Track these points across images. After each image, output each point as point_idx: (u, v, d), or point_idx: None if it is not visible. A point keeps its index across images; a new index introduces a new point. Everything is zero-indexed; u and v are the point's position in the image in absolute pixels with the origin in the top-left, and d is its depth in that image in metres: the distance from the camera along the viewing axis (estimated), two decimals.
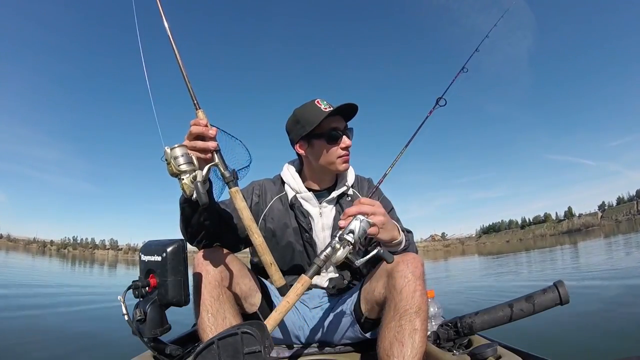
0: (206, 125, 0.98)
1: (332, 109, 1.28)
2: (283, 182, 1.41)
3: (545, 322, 3.02)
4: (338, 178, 1.42)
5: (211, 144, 0.97)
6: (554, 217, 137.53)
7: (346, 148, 1.32)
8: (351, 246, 0.95)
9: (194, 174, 0.92)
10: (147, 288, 1.00)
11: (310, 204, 1.36)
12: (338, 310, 1.27)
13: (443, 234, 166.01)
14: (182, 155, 0.92)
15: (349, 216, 1.00)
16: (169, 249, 1.00)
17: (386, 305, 1.04)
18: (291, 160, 1.48)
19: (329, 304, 1.33)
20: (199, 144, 0.96)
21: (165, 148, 0.92)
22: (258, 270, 1.34)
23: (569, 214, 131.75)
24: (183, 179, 0.91)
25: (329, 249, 0.97)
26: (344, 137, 1.31)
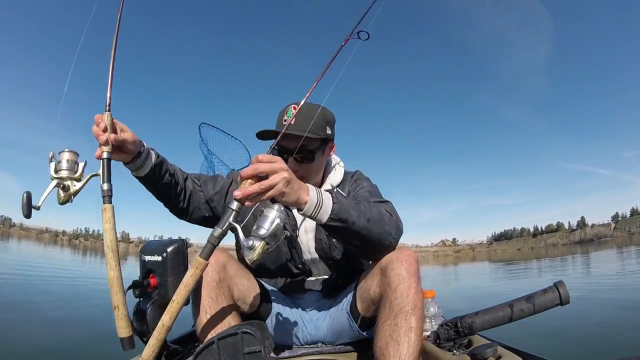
0: (104, 130, 0.92)
1: (290, 123, 1.10)
2: None
3: (545, 322, 3.02)
4: (324, 179, 1.33)
5: (97, 151, 0.92)
6: (566, 226, 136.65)
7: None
8: (262, 241, 0.83)
9: (68, 182, 0.88)
10: (147, 288, 1.01)
11: None
12: (334, 310, 1.27)
13: (454, 239, 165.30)
14: (68, 161, 0.88)
15: (245, 178, 0.87)
16: (169, 249, 1.01)
17: (381, 304, 1.03)
18: None
19: (325, 305, 1.32)
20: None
21: (51, 152, 0.88)
22: (256, 271, 1.33)
23: (582, 223, 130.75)
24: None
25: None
26: (290, 160, 1.13)
